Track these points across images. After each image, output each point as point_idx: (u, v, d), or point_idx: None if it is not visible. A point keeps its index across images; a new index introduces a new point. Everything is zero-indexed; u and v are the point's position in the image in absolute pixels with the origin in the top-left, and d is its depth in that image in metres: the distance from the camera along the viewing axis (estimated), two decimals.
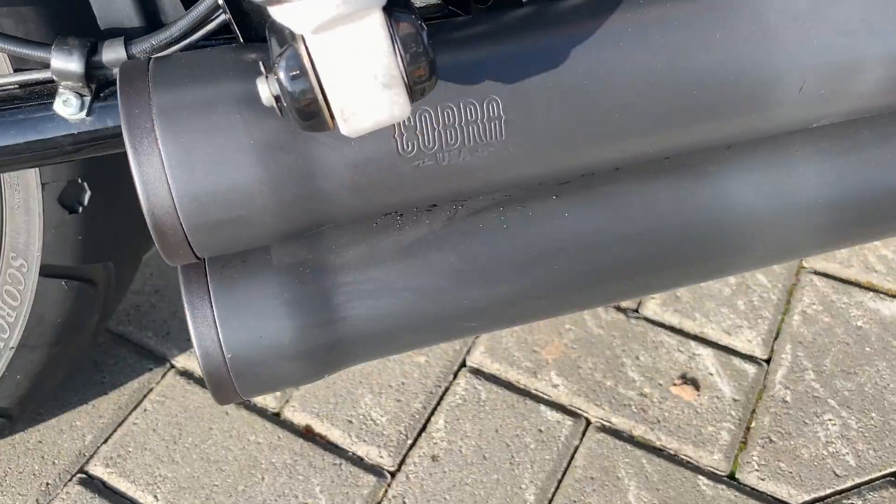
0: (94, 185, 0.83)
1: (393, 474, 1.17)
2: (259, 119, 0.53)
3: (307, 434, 1.22)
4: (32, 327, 0.90)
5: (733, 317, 1.32)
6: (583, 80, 0.57)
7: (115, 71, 0.68)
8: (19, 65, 0.72)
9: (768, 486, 1.12)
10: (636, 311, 1.33)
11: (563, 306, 0.70)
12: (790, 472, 1.13)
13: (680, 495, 1.12)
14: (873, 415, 1.18)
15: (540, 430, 1.20)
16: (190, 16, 0.66)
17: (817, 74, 0.61)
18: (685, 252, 0.70)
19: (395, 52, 0.42)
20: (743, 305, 1.33)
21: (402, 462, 1.18)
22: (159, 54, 0.57)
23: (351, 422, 1.23)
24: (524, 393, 1.25)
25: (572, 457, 1.17)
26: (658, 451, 1.16)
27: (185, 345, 1.34)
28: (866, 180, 0.70)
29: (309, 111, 0.43)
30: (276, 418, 1.24)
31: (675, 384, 1.24)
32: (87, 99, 0.68)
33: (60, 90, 0.67)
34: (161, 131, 0.51)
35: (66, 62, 0.65)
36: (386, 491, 1.15)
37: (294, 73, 0.42)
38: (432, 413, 1.23)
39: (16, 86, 0.68)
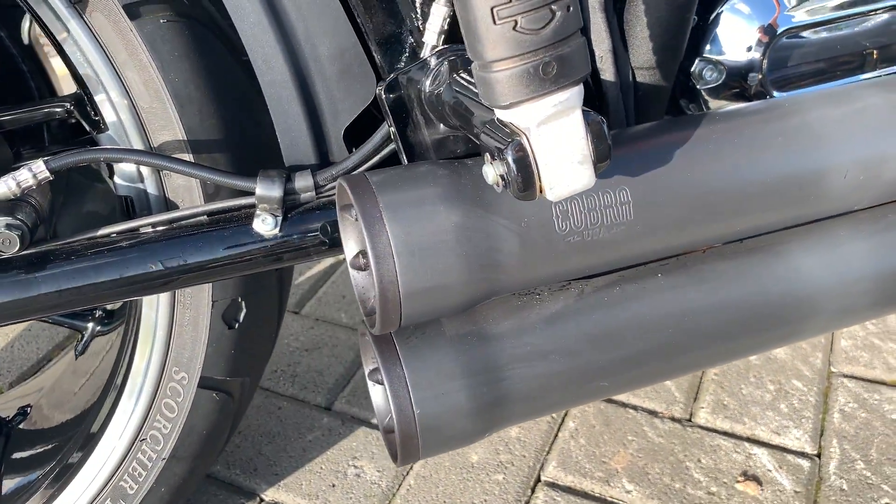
0: (248, 305, 0.98)
1: None
2: (456, 209, 0.69)
3: None
4: (183, 438, 1.00)
5: (779, 419, 1.44)
6: (688, 177, 0.75)
7: (304, 195, 0.85)
8: (211, 197, 0.89)
9: None
10: (689, 420, 1.45)
11: (674, 368, 0.84)
12: None
13: None
14: None
15: None
16: (362, 151, 0.85)
17: (856, 165, 0.80)
18: (764, 319, 0.85)
19: (587, 138, 0.60)
20: (785, 408, 1.46)
21: None
22: (373, 171, 0.74)
23: None
24: (601, 500, 1.33)
25: None
26: None
27: (272, 479, 1.42)
28: None
29: (527, 184, 0.60)
30: None
31: (738, 481, 1.33)
32: (280, 218, 0.84)
33: (258, 212, 0.84)
34: (388, 220, 0.67)
35: (268, 189, 0.82)
36: None
37: (520, 156, 0.59)
38: None
39: (219, 211, 0.85)
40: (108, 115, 0.86)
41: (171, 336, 0.95)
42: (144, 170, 0.88)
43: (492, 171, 0.61)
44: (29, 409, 1.18)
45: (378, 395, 0.86)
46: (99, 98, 0.85)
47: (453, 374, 0.76)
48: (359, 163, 0.84)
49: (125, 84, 0.83)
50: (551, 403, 0.80)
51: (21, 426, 1.15)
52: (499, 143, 0.60)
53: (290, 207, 0.85)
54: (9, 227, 0.76)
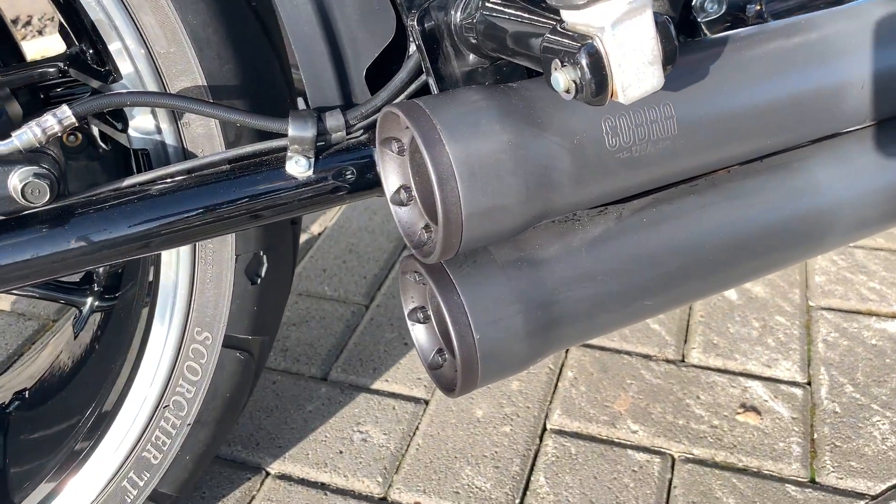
0: (268, 259, 0.95)
1: None
2: (511, 128, 0.69)
3: None
4: (208, 402, 0.97)
5: (768, 352, 1.49)
6: (725, 92, 0.77)
7: (335, 135, 0.84)
8: (232, 145, 0.87)
9: (848, 484, 1.25)
10: (683, 360, 1.49)
11: (712, 285, 0.86)
12: (861, 468, 1.27)
13: (776, 503, 1.23)
14: None
15: (634, 471, 1.30)
16: (389, 88, 0.84)
17: (871, 78, 0.84)
18: (789, 232, 0.88)
19: (657, 38, 0.61)
20: (772, 342, 1.51)
21: None
22: (419, 98, 0.74)
23: (458, 492, 1.30)
24: (609, 442, 1.35)
25: (670, 488, 1.27)
26: (743, 471, 1.28)
27: (276, 452, 1.39)
28: None
29: (601, 87, 0.60)
30: (384, 501, 1.29)
31: (738, 413, 1.38)
32: (313, 160, 0.82)
33: (290, 153, 0.82)
34: (447, 141, 0.67)
35: (302, 130, 0.80)
36: None
37: (594, 58, 0.60)
38: (530, 472, 1.32)
39: (248, 156, 0.83)
40: (122, 64, 0.82)
41: (192, 295, 0.92)
42: (163, 120, 0.84)
43: (563, 78, 0.62)
44: (26, 393, 1.13)
45: (421, 333, 0.85)
46: (113, 46, 0.81)
47: (509, 300, 0.76)
48: (387, 99, 0.83)
49: (140, 28, 0.80)
50: (601, 324, 0.82)
51: (24, 411, 1.09)
52: (569, 48, 0.61)
53: (320, 149, 0.83)
54: (37, 175, 0.72)
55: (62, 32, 0.98)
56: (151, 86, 0.83)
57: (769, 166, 0.88)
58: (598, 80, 0.60)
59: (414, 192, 0.78)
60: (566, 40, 0.62)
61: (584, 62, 0.60)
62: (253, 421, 1.45)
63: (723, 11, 1.03)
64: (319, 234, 1.93)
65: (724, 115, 0.78)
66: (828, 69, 0.83)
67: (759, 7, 1.03)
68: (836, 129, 0.88)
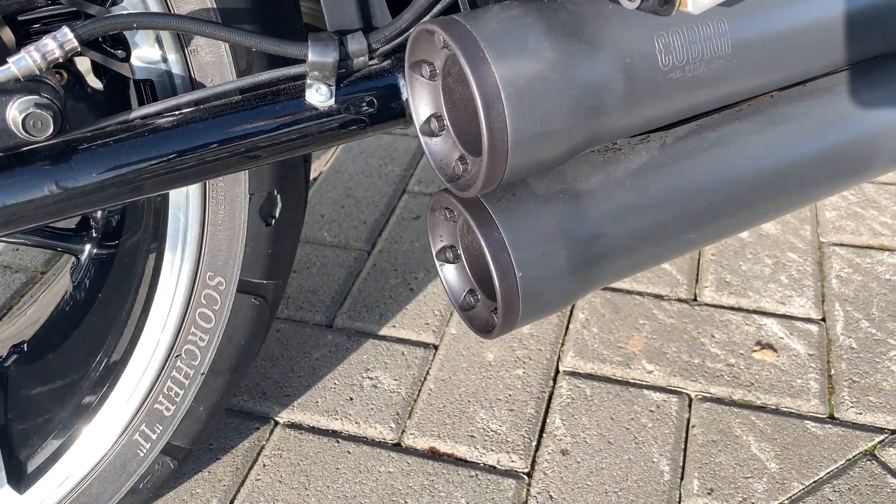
0: (282, 199, 0.90)
1: (529, 474, 1.21)
2: (561, 45, 0.64)
3: (434, 455, 1.25)
4: (222, 350, 0.92)
5: (781, 289, 1.47)
6: (778, 10, 0.72)
7: (357, 61, 0.77)
8: (242, 74, 0.80)
9: (867, 418, 1.24)
10: (695, 300, 1.47)
11: (757, 215, 0.82)
12: (880, 403, 1.26)
13: (795, 440, 1.22)
14: None
15: (651, 411, 1.28)
16: (413, 7, 0.78)
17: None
18: (835, 158, 0.84)
19: None
20: (785, 279, 1.49)
21: (534, 462, 1.22)
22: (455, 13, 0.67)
23: (473, 436, 1.27)
24: (624, 383, 1.33)
25: (688, 427, 1.25)
26: (762, 409, 1.27)
27: (284, 401, 1.36)
28: None
29: None
30: (398, 447, 1.26)
31: (754, 350, 1.36)
32: (333, 88, 0.76)
33: (309, 81, 0.76)
34: (493, 59, 0.61)
35: (322, 55, 0.74)
36: (528, 489, 1.19)
37: None
38: (546, 415, 1.29)
39: (266, 83, 0.76)
40: None
41: (203, 238, 0.87)
42: (168, 48, 0.78)
43: None
44: (24, 346, 1.07)
45: (451, 273, 0.81)
46: None
47: (551, 234, 0.71)
48: (412, 20, 0.77)
49: None
50: (646, 258, 0.77)
51: (24, 364, 1.04)
52: None
53: (341, 76, 0.77)
54: (39, 106, 0.65)
55: None
56: (156, 8, 0.76)
57: (813, 90, 0.84)
58: None
59: (446, 121, 0.73)
60: None
61: None
62: (258, 370, 1.41)
63: None
64: (315, 179, 1.86)
65: (777, 33, 0.73)
66: None
67: None
68: (885, 50, 0.83)
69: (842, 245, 1.55)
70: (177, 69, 0.78)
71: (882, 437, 1.21)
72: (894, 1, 0.79)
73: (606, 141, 0.72)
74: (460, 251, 0.81)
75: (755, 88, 0.76)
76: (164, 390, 0.93)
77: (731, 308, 1.44)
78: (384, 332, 1.47)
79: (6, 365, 1.06)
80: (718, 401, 1.29)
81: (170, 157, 0.71)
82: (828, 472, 1.17)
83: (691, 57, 0.68)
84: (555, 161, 0.68)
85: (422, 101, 0.73)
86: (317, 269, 1.62)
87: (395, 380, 1.37)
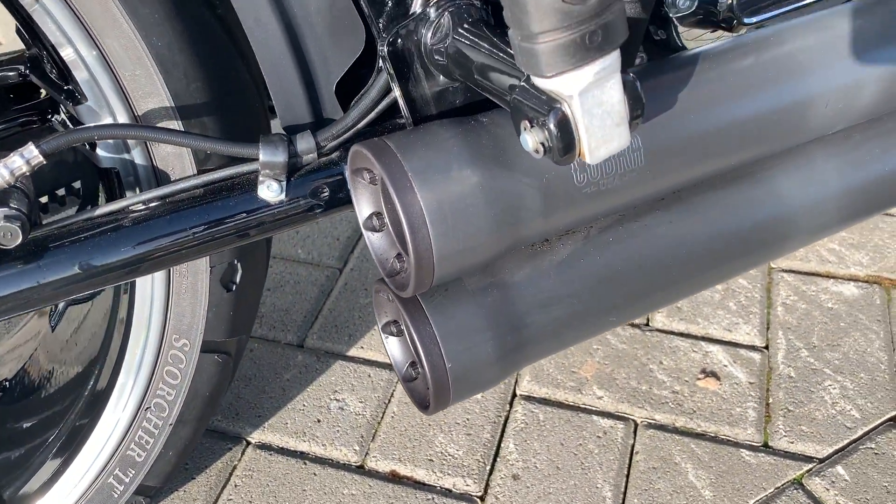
0: (243, 266, 0.97)
1: (482, 498, 1.30)
2: (482, 170, 0.71)
3: (394, 478, 1.34)
4: (188, 403, 1.00)
5: (729, 316, 1.55)
6: (689, 118, 0.78)
7: (306, 157, 0.84)
8: (202, 163, 0.86)
9: (798, 447, 1.33)
10: (647, 324, 1.54)
11: (673, 295, 0.89)
12: (811, 433, 1.35)
13: (730, 468, 1.31)
14: (862, 375, 1.42)
15: (598, 437, 1.37)
16: (359, 107, 0.84)
17: (836, 94, 0.85)
18: (751, 241, 0.91)
19: (625, 101, 0.62)
20: (734, 306, 1.57)
21: (487, 486, 1.31)
22: (389, 135, 0.74)
23: (431, 460, 1.36)
24: (575, 408, 1.42)
25: (632, 453, 1.34)
26: (701, 436, 1.36)
27: (256, 421, 1.44)
28: (867, 169, 0.94)
29: (568, 149, 0.61)
30: (361, 470, 1.35)
31: (699, 378, 1.44)
32: (284, 183, 0.83)
33: (261, 178, 0.82)
34: (419, 188, 0.68)
35: (273, 155, 0.80)
36: None
37: (562, 123, 0.60)
38: (500, 439, 1.38)
39: (218, 181, 0.83)
40: (88, 91, 0.81)
41: (168, 305, 0.94)
42: (131, 141, 0.84)
43: (531, 139, 0.62)
44: (7, 384, 1.15)
45: (394, 346, 0.88)
46: (79, 75, 0.79)
47: (479, 327, 0.78)
48: (357, 118, 0.83)
49: (104, 52, 0.78)
50: (566, 341, 0.85)
51: (6, 402, 1.12)
52: (538, 112, 0.61)
53: (292, 170, 0.84)
54: (7, 218, 0.72)
55: (20, 33, 0.95)
56: (117, 106, 0.82)
57: (734, 177, 0.90)
58: (565, 144, 0.61)
59: (386, 220, 0.79)
60: (534, 103, 0.62)
61: (552, 127, 0.60)
62: (232, 391, 1.49)
63: (694, 7, 1.03)
64: None
65: (690, 140, 0.79)
66: (795, 87, 0.84)
67: (730, 1, 1.03)
68: (799, 142, 0.90)
69: (790, 271, 1.62)
70: (139, 160, 0.85)
71: (810, 465, 1.30)
72: (804, 103, 0.85)
73: (529, 244, 0.79)
74: (402, 326, 0.88)
75: (673, 188, 0.82)
76: (136, 439, 1.01)
77: (681, 334, 1.52)
78: (352, 352, 1.54)
79: None
80: (662, 427, 1.37)
81: (131, 251, 0.78)
82: (756, 501, 1.26)
83: (605, 172, 0.75)
84: (480, 266, 0.75)
85: (363, 201, 0.80)
86: (290, 287, 1.70)
87: (361, 402, 1.45)
